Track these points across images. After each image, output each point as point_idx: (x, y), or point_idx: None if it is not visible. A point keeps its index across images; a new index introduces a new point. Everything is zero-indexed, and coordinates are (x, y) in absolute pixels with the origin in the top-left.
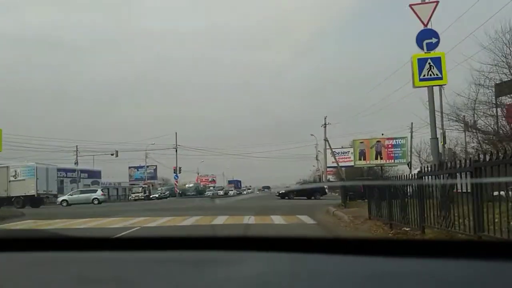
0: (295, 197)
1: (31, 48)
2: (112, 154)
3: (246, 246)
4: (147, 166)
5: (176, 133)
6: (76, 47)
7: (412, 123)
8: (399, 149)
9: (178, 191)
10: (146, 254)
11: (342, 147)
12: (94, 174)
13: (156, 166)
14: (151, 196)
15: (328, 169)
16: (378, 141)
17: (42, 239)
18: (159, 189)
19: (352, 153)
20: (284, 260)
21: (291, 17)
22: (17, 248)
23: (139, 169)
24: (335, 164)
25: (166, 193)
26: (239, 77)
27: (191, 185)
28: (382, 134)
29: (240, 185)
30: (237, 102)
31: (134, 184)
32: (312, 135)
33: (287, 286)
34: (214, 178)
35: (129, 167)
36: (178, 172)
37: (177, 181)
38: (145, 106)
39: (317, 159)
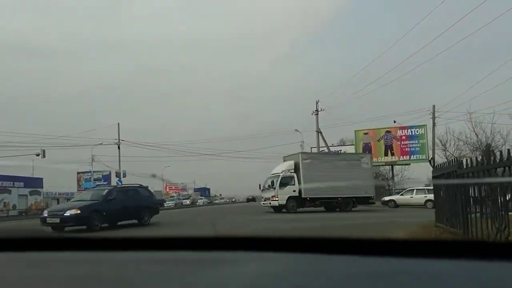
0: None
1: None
2: (37, 155)
3: (246, 246)
4: (94, 172)
5: (118, 124)
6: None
7: (434, 105)
8: (416, 141)
9: None
10: (146, 254)
11: (333, 145)
12: (33, 183)
13: (110, 172)
14: None
15: None
16: (387, 132)
17: (42, 239)
18: None
19: (345, 152)
20: (284, 260)
21: (274, 24)
22: (17, 248)
23: (88, 174)
24: None
25: None
26: (223, 83)
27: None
28: (394, 122)
29: (209, 193)
30: (219, 108)
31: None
32: (296, 130)
33: (287, 286)
34: (185, 187)
35: (78, 173)
36: (122, 176)
37: None
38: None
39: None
